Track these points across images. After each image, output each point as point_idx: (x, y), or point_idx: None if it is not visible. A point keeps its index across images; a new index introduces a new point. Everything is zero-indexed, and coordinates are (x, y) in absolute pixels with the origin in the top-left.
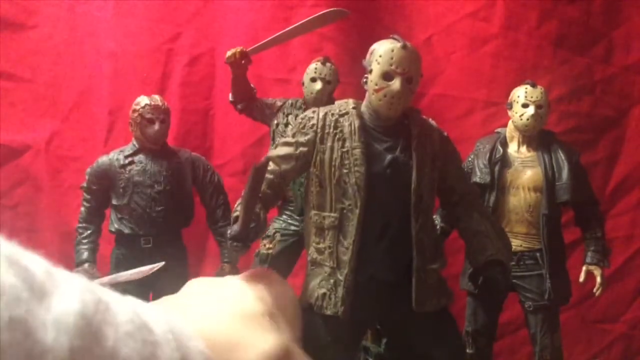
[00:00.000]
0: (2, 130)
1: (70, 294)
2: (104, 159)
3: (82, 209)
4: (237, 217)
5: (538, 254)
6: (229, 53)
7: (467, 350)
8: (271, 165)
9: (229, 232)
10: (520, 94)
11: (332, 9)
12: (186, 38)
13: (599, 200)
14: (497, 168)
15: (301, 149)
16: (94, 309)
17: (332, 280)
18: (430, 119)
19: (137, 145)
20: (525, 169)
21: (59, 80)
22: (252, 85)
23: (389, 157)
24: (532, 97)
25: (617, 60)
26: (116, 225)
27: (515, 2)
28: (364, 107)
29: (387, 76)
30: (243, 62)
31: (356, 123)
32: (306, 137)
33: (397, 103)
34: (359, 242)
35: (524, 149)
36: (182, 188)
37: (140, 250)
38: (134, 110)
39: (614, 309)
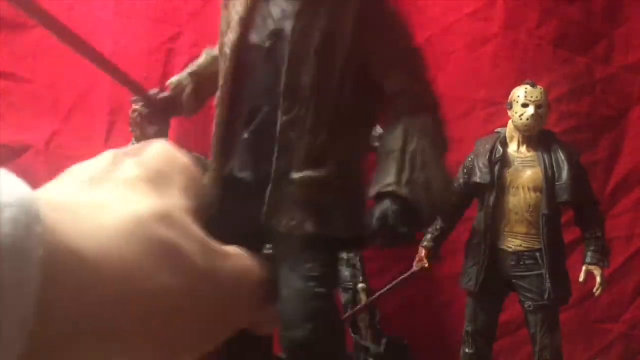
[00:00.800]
0: (2, 130)
1: None
2: None
3: None
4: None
5: (538, 254)
6: None
7: (467, 350)
8: None
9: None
10: (520, 94)
11: None
12: (186, 38)
13: (599, 200)
14: (497, 168)
15: None
16: None
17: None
18: None
19: None
20: (525, 169)
21: (59, 80)
22: None
23: (272, 26)
24: (532, 97)
25: (617, 60)
26: None
27: (515, 2)
28: None
29: None
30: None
31: None
32: None
33: None
34: (223, 128)
35: (524, 149)
36: None
37: None
38: (134, 110)
39: (614, 309)
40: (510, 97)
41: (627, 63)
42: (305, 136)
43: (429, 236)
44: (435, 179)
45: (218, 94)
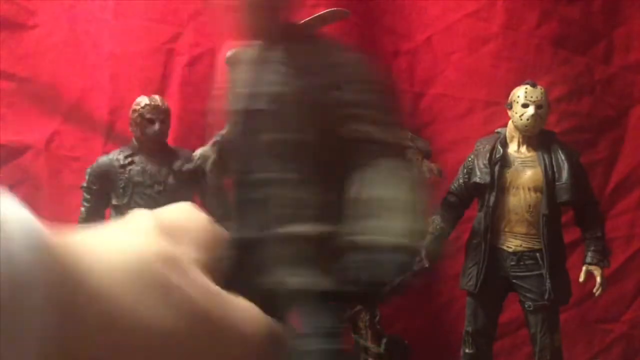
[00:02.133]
0: (2, 130)
1: None
2: (104, 159)
3: (82, 209)
4: None
5: (538, 254)
6: (229, 53)
7: (467, 351)
8: None
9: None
10: (520, 94)
11: (332, 9)
12: (186, 38)
13: (599, 200)
14: (497, 168)
15: None
16: None
17: None
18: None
19: (137, 145)
20: (525, 169)
21: (59, 80)
22: None
23: (272, 90)
24: (532, 97)
25: (617, 60)
26: None
27: (515, 2)
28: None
29: None
30: None
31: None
32: None
33: None
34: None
35: (524, 149)
36: (182, 188)
37: None
38: (134, 110)
39: (614, 309)
40: (510, 97)
41: (627, 63)
42: (299, 192)
43: (429, 236)
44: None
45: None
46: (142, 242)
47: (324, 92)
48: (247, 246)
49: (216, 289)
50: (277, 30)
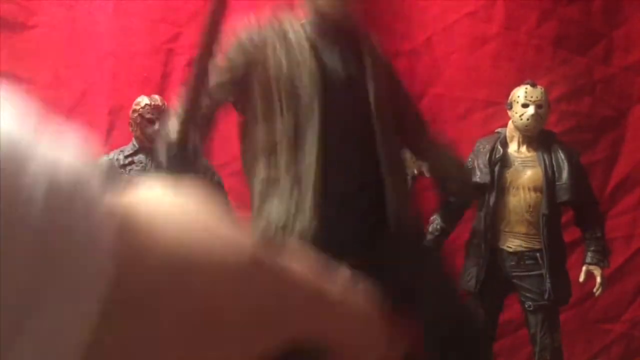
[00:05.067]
0: None
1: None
2: (104, 159)
3: None
4: (176, 138)
5: (538, 254)
6: None
7: None
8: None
9: (160, 157)
10: (520, 94)
11: None
12: (186, 38)
13: (599, 200)
14: (497, 168)
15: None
16: None
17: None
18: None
19: (137, 145)
20: (525, 169)
21: (59, 80)
22: None
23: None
24: (532, 97)
25: (617, 60)
26: None
27: (515, 2)
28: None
29: None
30: None
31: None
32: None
33: None
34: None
35: (524, 149)
36: None
37: None
38: (134, 110)
39: (614, 309)
40: (510, 97)
41: (627, 63)
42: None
43: (429, 236)
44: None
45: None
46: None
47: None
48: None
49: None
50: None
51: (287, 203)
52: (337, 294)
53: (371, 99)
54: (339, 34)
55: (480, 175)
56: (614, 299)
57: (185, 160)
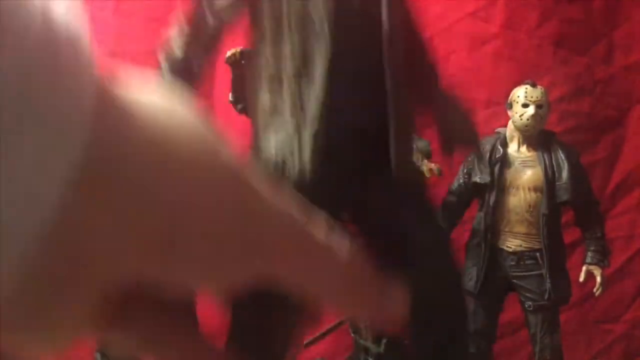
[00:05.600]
0: None
1: None
2: None
3: None
4: (180, 55)
5: (538, 254)
6: (229, 53)
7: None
8: None
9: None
10: (520, 94)
11: None
12: None
13: (599, 200)
14: (497, 168)
15: None
16: None
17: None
18: None
19: None
20: (525, 169)
21: None
22: None
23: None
24: (532, 97)
25: (617, 60)
26: None
27: (515, 2)
28: None
29: None
30: (243, 62)
31: None
32: None
33: None
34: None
35: (524, 149)
36: None
37: None
38: None
39: (614, 309)
40: (510, 97)
41: (627, 63)
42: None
43: None
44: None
45: None
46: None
47: None
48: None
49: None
50: None
51: (288, 138)
52: (322, 239)
53: (384, 35)
54: None
55: (480, 175)
56: (614, 299)
57: (188, 76)
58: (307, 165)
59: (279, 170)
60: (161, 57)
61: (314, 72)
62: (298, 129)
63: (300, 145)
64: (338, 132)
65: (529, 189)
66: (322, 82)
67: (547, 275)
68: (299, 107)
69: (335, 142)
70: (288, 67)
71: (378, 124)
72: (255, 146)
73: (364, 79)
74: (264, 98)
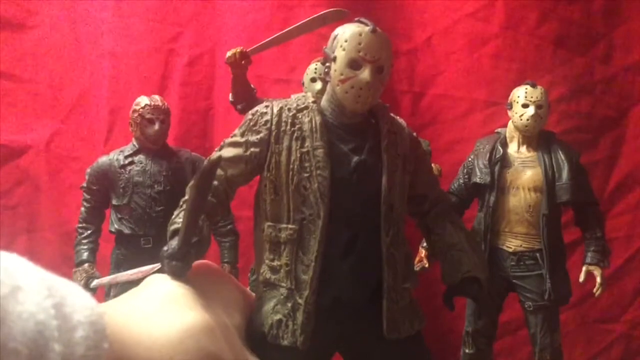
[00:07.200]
0: (2, 130)
1: None
2: (104, 159)
3: (82, 209)
4: (175, 231)
5: (538, 254)
6: (229, 53)
7: (467, 351)
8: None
9: (165, 249)
10: (520, 94)
11: (332, 9)
12: (186, 38)
13: (599, 200)
14: (497, 168)
15: (252, 149)
16: None
17: (289, 304)
18: (398, 117)
19: (137, 145)
20: (525, 169)
21: (59, 80)
22: (252, 85)
23: (355, 159)
24: (532, 97)
25: (617, 60)
26: (116, 226)
27: (515, 2)
28: (325, 101)
29: (354, 64)
30: (243, 62)
31: (317, 119)
32: (258, 136)
33: (365, 95)
34: (322, 258)
35: (524, 149)
36: (182, 188)
37: (140, 251)
38: (134, 111)
39: (614, 309)
40: (510, 97)
41: (627, 63)
42: (401, 250)
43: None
44: (482, 256)
45: (306, 227)
46: (179, 311)
47: (408, 164)
48: (343, 308)
49: (246, 353)
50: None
51: (281, 311)
52: None
53: (382, 192)
54: (357, 125)
55: (480, 175)
56: (614, 299)
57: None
58: (299, 329)
59: (274, 335)
60: (162, 261)
61: (308, 241)
62: (292, 296)
63: (293, 310)
64: (328, 300)
65: (528, 189)
66: (315, 251)
67: (547, 276)
68: (293, 275)
69: (326, 310)
70: (287, 242)
71: (368, 295)
72: (255, 309)
73: (359, 248)
74: (265, 267)
